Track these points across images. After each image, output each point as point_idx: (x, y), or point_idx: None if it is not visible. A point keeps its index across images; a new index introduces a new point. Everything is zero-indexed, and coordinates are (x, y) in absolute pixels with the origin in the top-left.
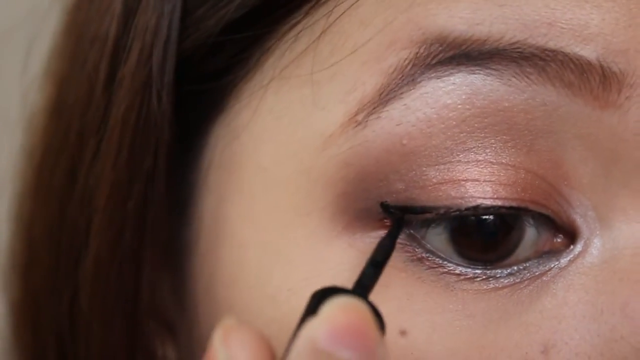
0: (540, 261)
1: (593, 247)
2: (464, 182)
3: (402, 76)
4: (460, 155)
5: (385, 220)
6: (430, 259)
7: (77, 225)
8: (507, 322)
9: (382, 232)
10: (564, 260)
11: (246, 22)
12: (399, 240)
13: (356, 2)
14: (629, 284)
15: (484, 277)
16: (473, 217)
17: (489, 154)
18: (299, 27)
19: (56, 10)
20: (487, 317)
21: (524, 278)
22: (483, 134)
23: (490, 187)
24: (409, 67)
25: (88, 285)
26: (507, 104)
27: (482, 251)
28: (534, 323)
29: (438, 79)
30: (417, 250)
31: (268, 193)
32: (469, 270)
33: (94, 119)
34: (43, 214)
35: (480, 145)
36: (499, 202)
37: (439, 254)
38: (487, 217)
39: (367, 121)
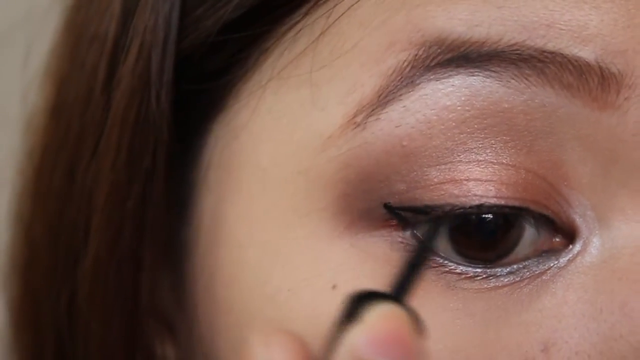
0: (540, 260)
1: (592, 246)
2: (466, 182)
3: (401, 78)
4: (461, 156)
5: (391, 221)
6: (431, 258)
7: (76, 225)
8: (507, 320)
9: (384, 232)
10: (563, 260)
11: (245, 22)
12: (399, 239)
13: (356, 3)
14: (628, 284)
15: (484, 275)
16: (475, 216)
17: (490, 154)
18: (298, 27)
19: (56, 11)
20: (488, 316)
21: (524, 277)
22: (483, 135)
23: (493, 186)
24: (408, 69)
25: (87, 285)
26: (506, 105)
27: (481, 250)
28: (534, 322)
29: (437, 80)
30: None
31: (267, 193)
32: (470, 269)
33: (93, 118)
34: (42, 213)
35: (480, 145)
36: (502, 201)
37: (440, 253)
38: (488, 215)
39: (366, 123)
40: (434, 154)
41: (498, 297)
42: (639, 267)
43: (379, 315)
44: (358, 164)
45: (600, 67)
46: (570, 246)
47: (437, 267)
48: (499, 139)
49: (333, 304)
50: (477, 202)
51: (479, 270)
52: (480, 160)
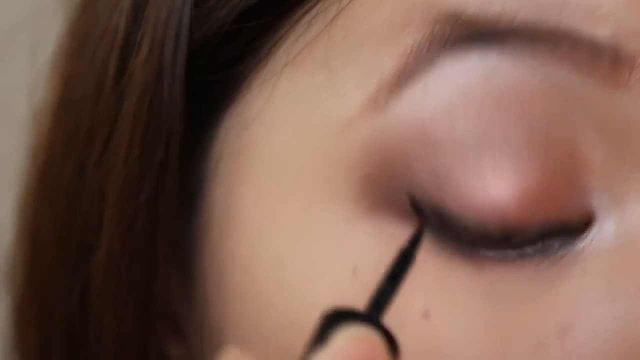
0: (557, 245)
1: (607, 230)
2: (490, 180)
3: (419, 57)
4: (484, 145)
5: (410, 211)
6: (456, 242)
7: (88, 220)
8: (526, 304)
9: (405, 218)
10: (579, 244)
11: (259, 10)
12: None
13: None
14: None
15: (507, 259)
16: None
17: (511, 144)
18: (312, 12)
19: (61, 10)
20: (508, 299)
21: (542, 261)
22: (503, 118)
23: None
24: (425, 48)
25: (100, 278)
26: (522, 86)
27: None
28: (551, 306)
29: (454, 59)
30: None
31: (282, 180)
32: (492, 253)
33: (104, 113)
34: (50, 210)
35: (502, 134)
36: (525, 217)
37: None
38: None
39: (386, 104)
40: (455, 139)
41: (518, 280)
42: None
43: (348, 339)
44: (380, 145)
45: (613, 47)
46: (586, 231)
47: (462, 249)
48: (516, 121)
49: (353, 288)
50: (500, 220)
51: (501, 254)
52: (503, 152)
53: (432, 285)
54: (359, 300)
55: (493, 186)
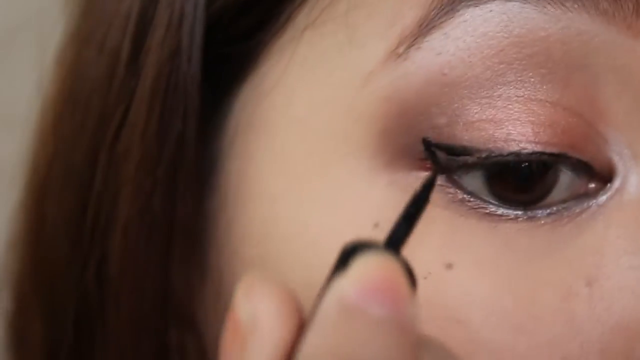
0: (578, 201)
1: (630, 184)
2: (505, 122)
3: (442, 6)
4: (501, 89)
5: (427, 160)
6: (471, 200)
7: (103, 199)
8: (550, 256)
9: (423, 171)
10: (602, 198)
11: None
12: (439, 183)
13: None
14: None
15: (525, 217)
16: (512, 163)
17: (528, 89)
18: None
19: (65, 11)
20: (531, 252)
21: (564, 216)
22: (521, 66)
23: (531, 127)
24: None
25: (117, 256)
26: (543, 34)
27: (517, 192)
28: (577, 258)
29: (476, 6)
30: (457, 192)
31: (304, 143)
32: (510, 211)
33: (118, 94)
34: (59, 196)
35: (519, 79)
36: (540, 147)
37: (480, 195)
38: (526, 163)
39: (407, 53)
40: (474, 85)
41: (540, 234)
42: None
43: (367, 263)
44: (399, 96)
45: None
46: (609, 185)
47: (477, 208)
48: (536, 71)
49: None
50: (515, 149)
51: (519, 212)
52: (520, 96)
53: (451, 241)
54: None
55: (504, 117)
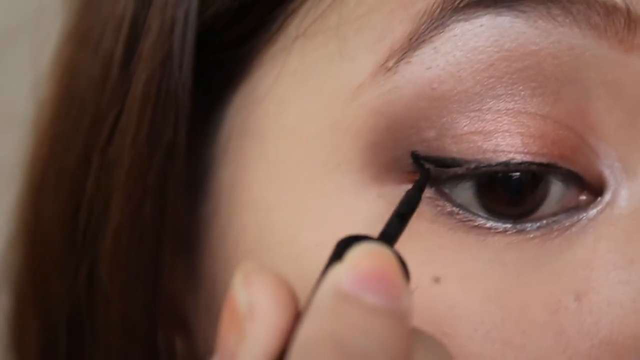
0: (568, 214)
1: (620, 197)
2: (494, 133)
3: (432, 20)
4: (490, 103)
5: (416, 173)
6: (460, 213)
7: (94, 205)
8: (539, 270)
9: (411, 185)
10: (592, 212)
11: None
12: (428, 195)
13: None
14: None
15: (514, 230)
16: (501, 173)
17: (518, 102)
18: None
19: (62, 12)
20: (519, 266)
21: (553, 230)
22: (512, 80)
23: (521, 139)
24: (437, 11)
25: (107, 260)
26: (534, 47)
27: (508, 205)
28: (566, 272)
29: (466, 21)
30: (446, 204)
31: (294, 153)
32: (499, 224)
33: (111, 98)
34: (53, 199)
35: (509, 92)
36: (529, 158)
37: (468, 208)
38: (516, 173)
39: (397, 67)
40: (463, 99)
41: (529, 248)
42: None
43: (362, 253)
44: (388, 110)
45: (627, 8)
46: (599, 198)
47: (466, 221)
48: (527, 85)
49: None
50: (504, 159)
51: (508, 225)
52: (509, 109)
53: (439, 255)
54: None
55: (493, 129)
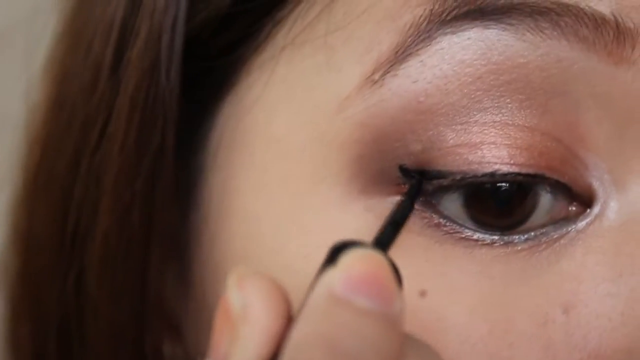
0: (557, 226)
1: (610, 210)
2: (480, 145)
3: (418, 33)
4: (477, 115)
5: (403, 185)
6: (447, 225)
7: (83, 211)
8: (526, 283)
9: (398, 197)
10: (581, 224)
11: None
12: (415, 207)
13: None
14: None
15: (501, 242)
16: (489, 184)
17: (505, 114)
18: None
19: (56, 11)
20: (507, 279)
21: (541, 242)
22: (499, 93)
23: (507, 151)
24: (424, 24)
25: (96, 266)
26: (522, 60)
27: (496, 217)
28: (554, 285)
29: (453, 34)
30: (433, 216)
31: (282, 163)
32: (487, 236)
33: (99, 104)
34: (44, 204)
35: (496, 105)
36: (515, 169)
37: (456, 220)
38: (502, 184)
39: (383, 80)
40: (450, 112)
41: (516, 260)
42: None
43: (355, 257)
44: (374, 122)
45: (616, 21)
46: (588, 210)
47: (453, 233)
48: (514, 97)
49: None
50: (490, 170)
51: (495, 237)
52: (496, 122)
53: (425, 268)
54: None
55: (480, 141)
